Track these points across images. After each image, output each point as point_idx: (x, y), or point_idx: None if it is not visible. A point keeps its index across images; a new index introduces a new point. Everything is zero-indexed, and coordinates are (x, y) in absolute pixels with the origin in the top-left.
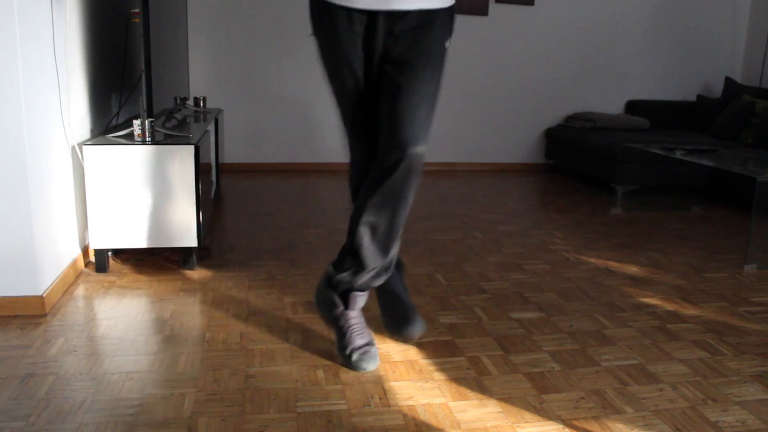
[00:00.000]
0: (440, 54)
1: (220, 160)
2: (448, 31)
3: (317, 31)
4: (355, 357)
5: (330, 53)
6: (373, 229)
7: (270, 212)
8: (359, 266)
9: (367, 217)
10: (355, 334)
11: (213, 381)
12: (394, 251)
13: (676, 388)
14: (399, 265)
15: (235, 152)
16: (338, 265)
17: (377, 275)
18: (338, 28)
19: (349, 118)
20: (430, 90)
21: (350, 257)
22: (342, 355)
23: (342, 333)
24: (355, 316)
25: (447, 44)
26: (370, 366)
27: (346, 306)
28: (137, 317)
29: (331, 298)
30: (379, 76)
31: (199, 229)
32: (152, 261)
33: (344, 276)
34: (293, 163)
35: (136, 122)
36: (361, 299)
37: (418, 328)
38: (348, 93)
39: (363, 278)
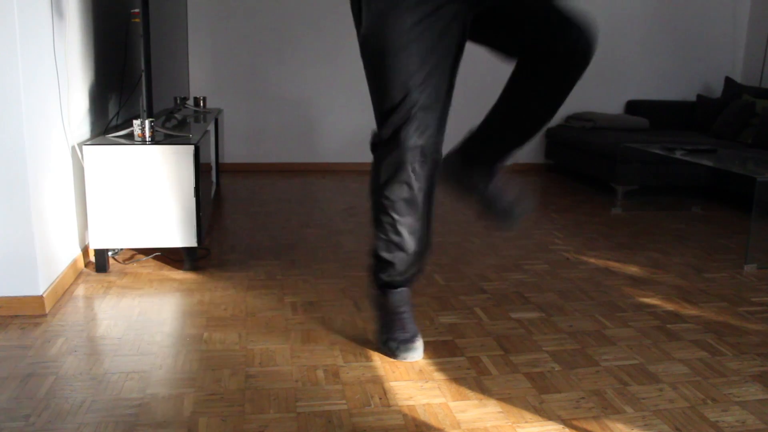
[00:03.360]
0: None
1: (220, 160)
2: None
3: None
4: (398, 347)
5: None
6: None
7: (270, 212)
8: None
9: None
10: (398, 327)
11: (213, 381)
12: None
13: (676, 388)
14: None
15: (235, 152)
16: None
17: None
18: None
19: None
20: None
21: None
22: (384, 345)
23: (388, 323)
24: (405, 309)
25: None
26: (414, 356)
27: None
28: (137, 317)
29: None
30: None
31: (199, 229)
32: (152, 261)
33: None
34: (293, 163)
35: (136, 122)
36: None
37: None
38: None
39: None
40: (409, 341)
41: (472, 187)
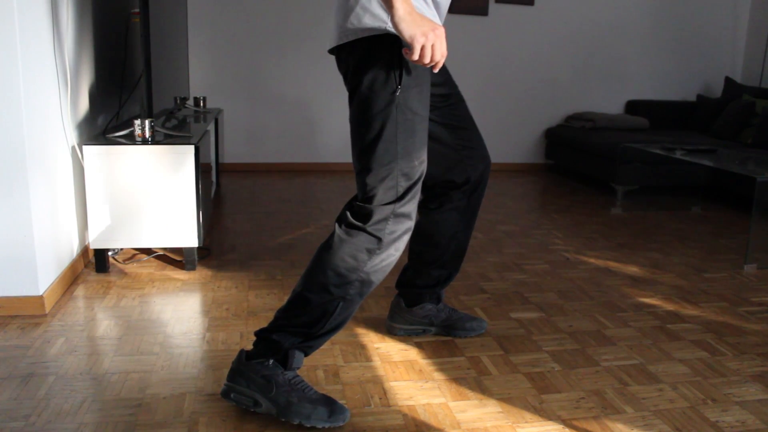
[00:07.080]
0: None
1: (220, 160)
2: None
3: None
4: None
5: (423, 83)
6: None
7: (270, 212)
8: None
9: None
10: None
11: (213, 381)
12: None
13: (676, 388)
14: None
15: (235, 152)
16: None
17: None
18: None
19: (424, 147)
20: None
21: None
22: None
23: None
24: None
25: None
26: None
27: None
28: (137, 317)
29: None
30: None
31: (199, 229)
32: (152, 261)
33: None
34: (293, 163)
35: (136, 122)
36: None
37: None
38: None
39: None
40: (335, 401)
41: (425, 318)
